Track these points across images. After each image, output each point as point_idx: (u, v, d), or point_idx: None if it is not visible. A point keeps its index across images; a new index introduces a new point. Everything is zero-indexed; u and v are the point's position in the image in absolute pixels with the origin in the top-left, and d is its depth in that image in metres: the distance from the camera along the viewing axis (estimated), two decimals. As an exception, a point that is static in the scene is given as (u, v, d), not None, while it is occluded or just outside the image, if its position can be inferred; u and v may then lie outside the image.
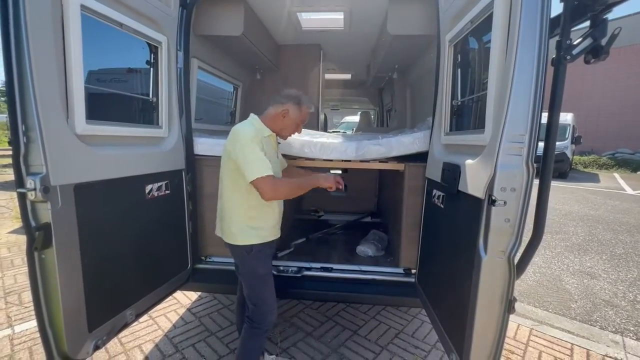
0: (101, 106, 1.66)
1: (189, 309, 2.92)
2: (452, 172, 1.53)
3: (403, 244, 2.33)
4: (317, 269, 2.43)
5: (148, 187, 1.84)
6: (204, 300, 3.07)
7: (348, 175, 4.12)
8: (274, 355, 2.22)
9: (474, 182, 1.34)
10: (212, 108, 3.61)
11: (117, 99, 1.81)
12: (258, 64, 3.72)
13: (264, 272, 1.79)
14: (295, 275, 2.37)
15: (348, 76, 5.62)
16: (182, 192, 2.18)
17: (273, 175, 1.58)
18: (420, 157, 2.20)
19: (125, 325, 1.71)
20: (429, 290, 1.95)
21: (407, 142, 2.25)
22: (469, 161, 1.42)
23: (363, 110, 7.12)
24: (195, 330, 2.62)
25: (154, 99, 1.98)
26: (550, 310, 3.09)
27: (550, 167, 1.21)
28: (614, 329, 2.82)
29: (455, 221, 1.58)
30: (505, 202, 1.17)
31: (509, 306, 1.21)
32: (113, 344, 2.40)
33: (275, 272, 2.37)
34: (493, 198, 1.17)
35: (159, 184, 1.93)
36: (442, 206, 1.77)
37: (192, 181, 2.32)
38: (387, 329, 2.71)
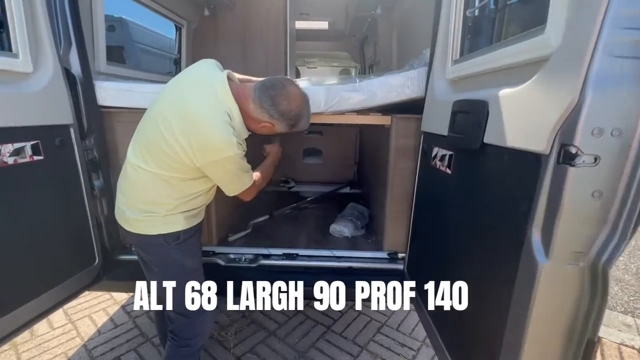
0: None
1: (123, 307, 2.33)
2: (473, 115, 0.94)
3: (388, 221, 1.80)
4: (278, 257, 1.88)
5: (-11, 150, 1.15)
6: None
7: (324, 138, 3.48)
8: (221, 370, 1.71)
9: (522, 125, 0.75)
10: (145, 53, 2.82)
11: None
12: (205, -5, 2.89)
13: (193, 265, 1.30)
14: (249, 266, 1.82)
15: (325, 25, 4.80)
16: (73, 158, 1.50)
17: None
18: (414, 109, 1.59)
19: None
20: (425, 285, 1.42)
21: (396, 84, 1.61)
22: (506, 90, 0.82)
23: (342, 68, 6.35)
24: (126, 335, 2.05)
25: (-4, 8, 1.23)
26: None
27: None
28: (623, 309, 2.48)
29: (476, 194, 1.00)
30: (596, 159, 0.59)
31: (587, 350, 0.65)
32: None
33: (223, 263, 1.83)
34: (572, 151, 0.60)
35: (19, 145, 1.24)
36: (448, 171, 1.20)
37: (99, 143, 1.65)
38: (368, 321, 2.24)
